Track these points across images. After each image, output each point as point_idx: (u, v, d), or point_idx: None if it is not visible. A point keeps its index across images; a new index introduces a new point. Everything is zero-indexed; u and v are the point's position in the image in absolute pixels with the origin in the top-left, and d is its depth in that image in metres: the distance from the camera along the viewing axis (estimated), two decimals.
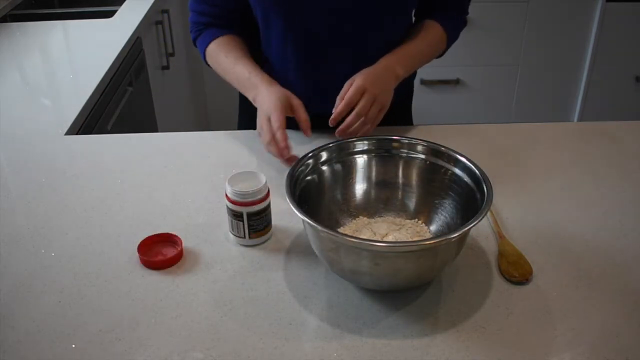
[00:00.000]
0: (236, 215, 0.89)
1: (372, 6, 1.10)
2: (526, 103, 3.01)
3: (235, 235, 0.91)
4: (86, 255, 0.90)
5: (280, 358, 0.72)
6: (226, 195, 0.89)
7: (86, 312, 0.79)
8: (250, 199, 0.88)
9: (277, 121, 1.01)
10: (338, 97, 1.05)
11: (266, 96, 1.06)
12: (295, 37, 1.13)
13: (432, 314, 0.79)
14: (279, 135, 1.00)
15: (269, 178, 1.07)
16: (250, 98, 1.11)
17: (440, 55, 1.23)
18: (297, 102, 1.05)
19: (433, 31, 1.18)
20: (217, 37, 1.18)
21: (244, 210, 0.89)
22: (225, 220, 0.95)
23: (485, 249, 0.90)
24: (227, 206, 0.90)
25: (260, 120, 1.05)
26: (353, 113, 1.03)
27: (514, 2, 2.76)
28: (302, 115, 1.05)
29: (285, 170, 0.86)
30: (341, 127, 1.03)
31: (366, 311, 0.79)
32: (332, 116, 1.03)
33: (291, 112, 1.05)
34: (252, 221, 0.89)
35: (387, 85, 1.08)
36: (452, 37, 1.21)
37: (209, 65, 1.22)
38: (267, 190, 0.90)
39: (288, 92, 1.06)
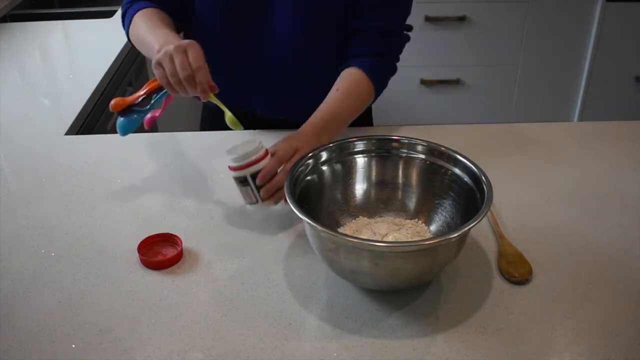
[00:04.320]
0: (242, 181, 0.90)
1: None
2: (526, 103, 3.01)
3: (249, 203, 0.92)
4: (86, 255, 0.90)
5: (280, 358, 0.72)
6: (229, 167, 0.90)
7: (86, 312, 0.79)
8: (248, 160, 0.89)
9: (199, 59, 0.90)
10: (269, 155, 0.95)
11: (177, 37, 0.98)
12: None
13: (432, 314, 0.79)
14: (201, 75, 0.90)
15: None
16: (154, 50, 0.96)
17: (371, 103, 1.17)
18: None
19: (359, 89, 1.11)
20: (142, 8, 1.12)
21: (246, 172, 0.89)
22: (225, 220, 0.95)
23: (485, 249, 0.90)
24: (233, 179, 0.91)
25: (168, 50, 0.91)
26: (282, 171, 0.93)
27: (514, 2, 2.76)
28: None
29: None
30: (268, 186, 0.91)
31: (366, 311, 0.79)
32: (263, 171, 0.91)
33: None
34: (257, 182, 0.90)
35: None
36: (380, 86, 1.14)
37: (131, 42, 1.15)
38: (264, 150, 0.91)
39: None
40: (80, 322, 0.78)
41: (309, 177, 0.89)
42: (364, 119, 1.30)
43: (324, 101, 1.08)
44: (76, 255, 0.90)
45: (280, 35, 1.14)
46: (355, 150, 0.94)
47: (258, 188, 0.90)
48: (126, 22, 1.15)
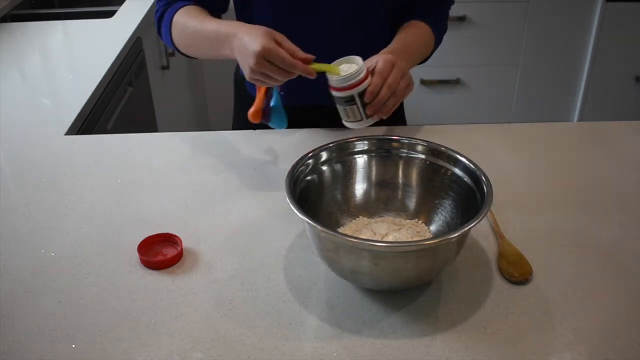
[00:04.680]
0: (348, 100, 0.94)
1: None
2: (526, 103, 3.01)
3: (352, 121, 0.96)
4: (86, 255, 0.90)
5: (280, 358, 0.72)
6: (331, 86, 0.94)
7: (86, 312, 0.79)
8: (355, 79, 0.93)
9: (285, 57, 0.91)
10: (368, 72, 0.97)
11: (250, 32, 0.94)
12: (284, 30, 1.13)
13: (432, 314, 0.79)
14: (300, 67, 0.92)
15: (269, 178, 1.07)
16: (226, 51, 1.00)
17: (424, 61, 1.21)
18: (281, 36, 0.95)
19: (424, 32, 1.17)
20: (183, 6, 1.10)
21: (354, 92, 0.93)
22: (225, 220, 0.95)
23: (485, 249, 0.90)
24: (335, 96, 0.95)
25: (254, 57, 0.91)
26: (385, 86, 0.96)
27: (514, 2, 2.76)
28: (292, 46, 0.94)
29: (286, 169, 0.86)
30: (374, 102, 0.96)
31: (366, 311, 0.79)
32: (370, 88, 0.95)
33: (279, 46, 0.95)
34: (364, 100, 0.94)
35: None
36: (438, 41, 1.21)
37: (174, 47, 1.13)
38: (366, 68, 0.95)
39: (267, 28, 0.96)
40: (80, 322, 0.78)
41: (309, 177, 0.89)
42: (398, 119, 1.30)
43: (394, 40, 1.11)
44: (76, 256, 0.90)
45: (322, 20, 1.13)
46: (355, 150, 0.94)
47: (364, 105, 0.94)
48: (165, 26, 1.12)
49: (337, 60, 0.96)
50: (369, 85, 0.95)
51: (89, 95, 1.44)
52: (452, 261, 0.81)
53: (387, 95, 0.97)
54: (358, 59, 0.96)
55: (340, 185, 0.94)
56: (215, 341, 0.75)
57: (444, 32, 1.24)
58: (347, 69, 0.95)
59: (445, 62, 2.86)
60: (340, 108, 0.98)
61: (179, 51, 1.15)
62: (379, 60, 0.99)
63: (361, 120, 0.97)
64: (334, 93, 0.96)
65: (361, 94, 0.95)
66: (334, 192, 0.93)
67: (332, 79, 0.95)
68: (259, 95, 1.03)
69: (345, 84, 0.94)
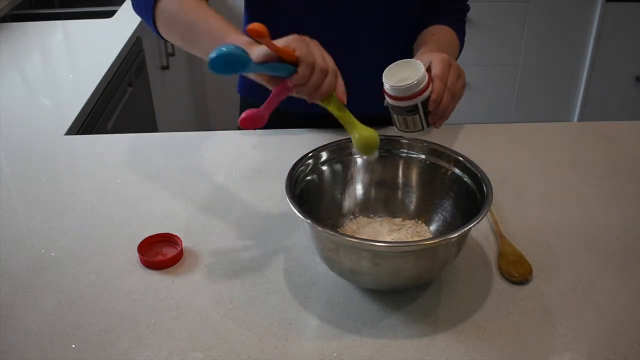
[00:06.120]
0: (410, 110, 0.87)
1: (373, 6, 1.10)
2: (526, 103, 3.01)
3: (412, 131, 0.89)
4: (86, 255, 0.90)
5: (281, 358, 0.72)
6: (390, 95, 0.86)
7: (86, 312, 0.79)
8: (419, 88, 0.85)
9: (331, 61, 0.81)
10: (428, 75, 0.88)
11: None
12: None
13: (432, 314, 0.79)
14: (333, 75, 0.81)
15: (269, 178, 1.07)
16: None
17: None
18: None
19: (452, 35, 1.14)
20: None
21: (418, 101, 0.86)
22: (225, 220, 0.95)
23: (485, 249, 0.90)
24: (393, 105, 0.87)
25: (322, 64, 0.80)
26: (446, 92, 0.89)
27: (514, 2, 2.76)
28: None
29: (286, 169, 0.86)
30: (438, 110, 0.89)
31: (366, 311, 0.79)
32: (433, 96, 0.88)
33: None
34: (426, 108, 0.87)
35: None
36: (462, 43, 1.19)
37: (156, 29, 1.00)
38: (427, 75, 0.86)
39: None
40: (80, 322, 0.78)
41: (309, 177, 0.89)
42: None
43: (425, 41, 1.07)
44: (76, 255, 0.90)
45: (353, 25, 1.12)
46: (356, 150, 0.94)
47: (426, 114, 0.88)
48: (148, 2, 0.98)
49: (392, 64, 0.88)
50: (431, 93, 0.87)
51: (89, 95, 1.44)
52: (452, 261, 0.81)
53: (449, 100, 0.90)
54: (417, 63, 0.87)
55: (340, 185, 0.94)
56: (215, 341, 0.75)
57: (464, 36, 1.21)
58: (406, 72, 0.87)
59: None
60: (398, 118, 0.90)
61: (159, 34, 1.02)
62: (433, 60, 0.91)
63: (422, 129, 0.90)
64: (393, 102, 0.88)
65: (424, 103, 0.87)
66: (334, 192, 0.93)
67: (392, 88, 0.87)
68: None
69: (408, 93, 0.86)
